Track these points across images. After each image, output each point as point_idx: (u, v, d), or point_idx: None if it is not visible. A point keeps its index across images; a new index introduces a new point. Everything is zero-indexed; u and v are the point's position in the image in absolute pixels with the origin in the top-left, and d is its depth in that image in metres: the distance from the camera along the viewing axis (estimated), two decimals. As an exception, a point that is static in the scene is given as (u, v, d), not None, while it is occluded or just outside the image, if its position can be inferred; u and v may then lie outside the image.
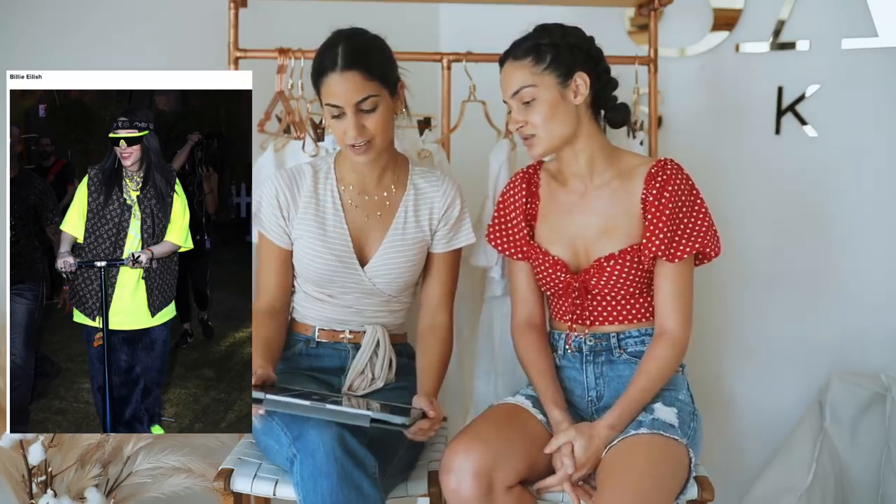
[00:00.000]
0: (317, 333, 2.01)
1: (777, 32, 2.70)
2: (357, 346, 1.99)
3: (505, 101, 1.95)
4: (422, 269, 2.03)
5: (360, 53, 1.83)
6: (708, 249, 1.88)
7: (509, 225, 2.01)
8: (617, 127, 1.99)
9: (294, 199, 1.97)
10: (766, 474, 2.61)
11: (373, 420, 1.62)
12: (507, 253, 2.02)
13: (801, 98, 2.69)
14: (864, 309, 2.70)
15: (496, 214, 2.06)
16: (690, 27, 2.74)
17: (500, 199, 2.06)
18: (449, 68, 2.36)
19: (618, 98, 1.97)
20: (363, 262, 1.96)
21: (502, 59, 1.92)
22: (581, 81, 1.86)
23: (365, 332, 1.98)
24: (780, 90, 2.71)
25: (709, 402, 2.72)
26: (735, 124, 2.75)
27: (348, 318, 2.00)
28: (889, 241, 2.68)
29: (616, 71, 1.97)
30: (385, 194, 1.99)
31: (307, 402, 1.63)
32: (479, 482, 1.69)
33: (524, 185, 2.01)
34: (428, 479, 1.87)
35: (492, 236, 2.05)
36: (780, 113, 2.72)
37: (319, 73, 1.85)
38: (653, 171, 1.89)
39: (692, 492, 1.78)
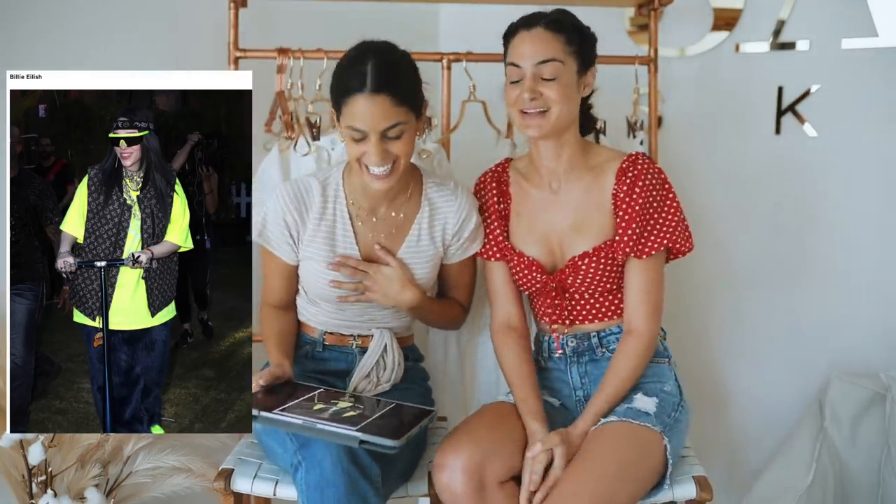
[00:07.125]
0: (324, 337, 1.98)
1: (777, 32, 2.70)
2: (364, 350, 1.95)
3: (516, 64, 1.81)
4: (435, 277, 2.00)
5: (391, 75, 1.72)
6: (678, 245, 1.86)
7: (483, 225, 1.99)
8: (583, 135, 1.97)
9: (303, 219, 1.88)
10: (766, 474, 2.60)
11: (362, 442, 1.59)
12: (482, 254, 1.99)
13: (801, 98, 2.69)
14: (864, 309, 2.70)
15: None
16: (690, 27, 2.74)
17: None
18: (449, 68, 2.36)
19: (592, 106, 1.99)
20: None
21: (530, 22, 1.81)
22: (592, 78, 1.87)
23: (372, 336, 1.96)
24: (780, 90, 2.71)
25: (709, 401, 2.72)
26: (735, 124, 2.75)
27: (356, 324, 1.97)
28: (889, 240, 2.68)
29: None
30: (398, 213, 1.93)
31: (299, 422, 1.62)
32: (469, 477, 1.69)
33: (494, 184, 1.98)
34: (428, 480, 1.86)
35: None
36: (780, 113, 2.71)
37: (344, 92, 1.72)
38: (623, 166, 1.87)
39: (690, 491, 1.78)
